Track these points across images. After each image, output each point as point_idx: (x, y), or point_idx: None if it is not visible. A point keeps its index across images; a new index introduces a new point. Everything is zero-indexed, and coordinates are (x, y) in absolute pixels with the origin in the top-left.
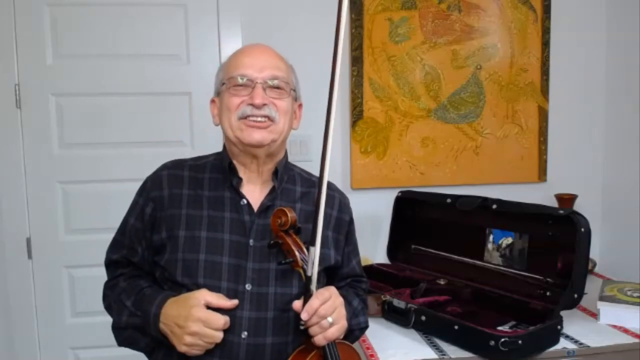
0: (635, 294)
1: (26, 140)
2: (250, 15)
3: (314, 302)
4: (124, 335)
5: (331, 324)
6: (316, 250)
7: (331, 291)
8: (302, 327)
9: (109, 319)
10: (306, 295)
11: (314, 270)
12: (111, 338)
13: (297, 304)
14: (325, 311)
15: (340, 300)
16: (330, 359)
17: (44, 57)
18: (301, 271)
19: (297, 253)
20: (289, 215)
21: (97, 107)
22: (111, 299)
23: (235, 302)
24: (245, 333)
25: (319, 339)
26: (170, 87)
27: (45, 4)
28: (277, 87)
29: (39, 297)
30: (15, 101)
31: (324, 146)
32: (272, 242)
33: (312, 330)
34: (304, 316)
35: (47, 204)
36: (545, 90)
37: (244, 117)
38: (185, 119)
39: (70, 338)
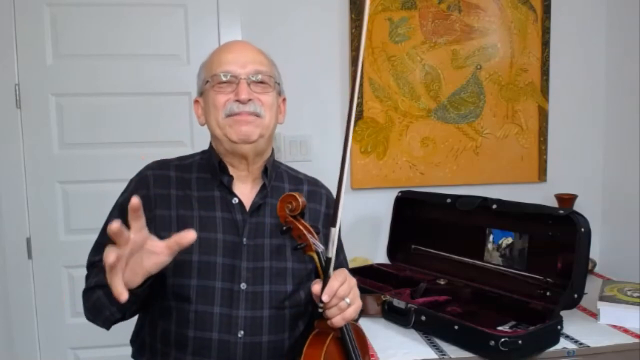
0: (635, 294)
1: (26, 140)
2: (250, 15)
3: (334, 283)
4: (92, 299)
5: (349, 305)
6: (336, 231)
7: (345, 273)
8: (320, 310)
9: None
10: (325, 277)
11: (333, 251)
12: (111, 338)
13: (316, 288)
14: (344, 292)
15: (354, 280)
16: (348, 339)
17: (43, 57)
18: (314, 255)
19: (309, 237)
20: (299, 200)
21: (97, 107)
22: (90, 281)
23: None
24: (242, 332)
25: (337, 320)
26: (170, 87)
27: (45, 3)
28: (261, 82)
29: (39, 297)
30: (15, 101)
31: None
32: (284, 227)
33: (331, 312)
34: (325, 298)
35: (47, 204)
36: (545, 90)
37: (231, 115)
38: (185, 119)
39: (70, 338)
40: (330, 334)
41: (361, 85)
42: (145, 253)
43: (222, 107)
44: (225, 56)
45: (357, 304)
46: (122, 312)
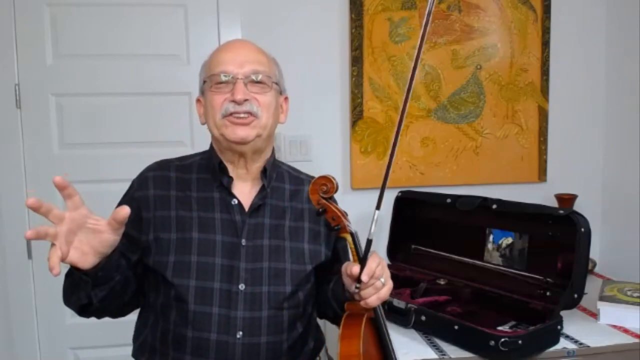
0: (635, 294)
1: (26, 140)
2: (250, 15)
3: (372, 264)
4: (67, 283)
5: (383, 285)
6: (378, 214)
7: (378, 254)
8: (355, 291)
9: (109, 319)
10: (364, 259)
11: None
12: (111, 338)
13: (355, 269)
14: (380, 272)
15: (385, 262)
16: (382, 319)
17: (44, 57)
18: (348, 236)
19: (343, 219)
20: (333, 182)
21: (97, 107)
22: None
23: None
24: (240, 333)
25: (372, 300)
26: (170, 87)
27: (45, 3)
28: (259, 82)
29: (39, 297)
30: (15, 101)
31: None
32: (320, 209)
33: (367, 292)
34: (364, 278)
35: None
36: (545, 90)
37: (227, 115)
38: (185, 119)
39: (70, 338)
40: (364, 315)
41: (361, 85)
42: (90, 232)
43: (219, 108)
44: (223, 55)
45: (390, 284)
46: (87, 297)
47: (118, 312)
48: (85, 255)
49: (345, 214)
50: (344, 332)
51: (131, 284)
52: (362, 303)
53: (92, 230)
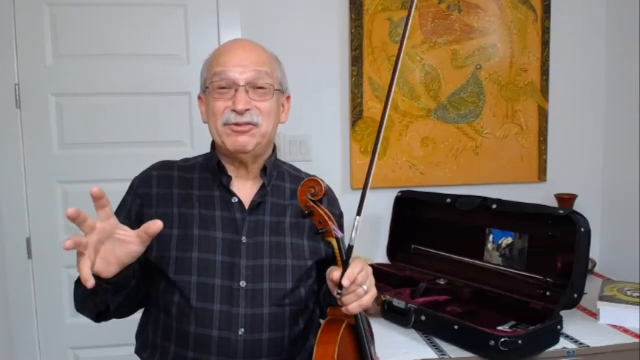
0: (635, 294)
1: (26, 140)
2: (250, 15)
3: (354, 269)
4: (78, 291)
5: (366, 292)
6: (360, 220)
7: (363, 261)
8: (338, 296)
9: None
10: (345, 264)
11: (356, 239)
12: (111, 338)
13: (336, 274)
14: (362, 279)
15: (370, 269)
16: (362, 326)
17: (44, 57)
18: (334, 241)
19: (330, 223)
20: (322, 185)
21: (97, 107)
22: None
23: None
24: (243, 330)
25: (354, 307)
26: (170, 87)
27: (45, 3)
28: (261, 88)
29: (39, 297)
30: (15, 101)
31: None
32: (306, 212)
33: (348, 299)
34: (345, 283)
35: (47, 204)
36: (545, 90)
37: (228, 124)
38: (185, 119)
39: (70, 338)
40: (344, 321)
41: (361, 85)
42: (118, 242)
43: (220, 115)
44: (225, 59)
45: (373, 292)
46: (104, 304)
47: (128, 313)
48: (110, 265)
49: (332, 218)
50: (321, 337)
51: (142, 286)
52: (343, 309)
53: (120, 240)
